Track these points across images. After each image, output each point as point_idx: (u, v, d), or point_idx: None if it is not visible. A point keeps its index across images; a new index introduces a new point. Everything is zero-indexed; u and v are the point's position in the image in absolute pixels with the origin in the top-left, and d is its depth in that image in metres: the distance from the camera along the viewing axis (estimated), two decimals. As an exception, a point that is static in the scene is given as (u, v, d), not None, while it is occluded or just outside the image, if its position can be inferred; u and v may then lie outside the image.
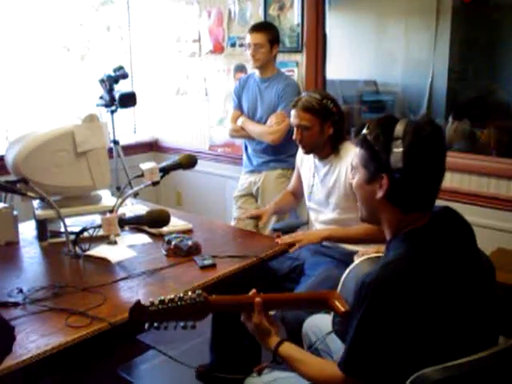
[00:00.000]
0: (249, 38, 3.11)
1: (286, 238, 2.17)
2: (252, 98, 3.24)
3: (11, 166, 2.12)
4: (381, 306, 1.15)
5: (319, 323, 1.76)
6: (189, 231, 2.25)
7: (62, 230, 2.03)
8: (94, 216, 2.20)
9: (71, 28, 4.14)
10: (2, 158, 2.27)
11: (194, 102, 4.20)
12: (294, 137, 2.28)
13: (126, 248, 2.03)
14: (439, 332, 1.16)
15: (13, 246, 2.13)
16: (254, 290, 1.44)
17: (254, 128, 3.19)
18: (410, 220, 1.25)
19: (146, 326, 1.31)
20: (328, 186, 2.28)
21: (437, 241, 1.22)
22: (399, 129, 1.21)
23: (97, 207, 2.25)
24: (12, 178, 2.08)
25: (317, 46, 3.44)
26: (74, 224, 2.10)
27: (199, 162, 2.31)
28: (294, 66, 3.50)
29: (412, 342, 1.14)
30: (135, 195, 2.65)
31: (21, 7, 3.74)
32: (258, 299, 1.39)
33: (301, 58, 3.49)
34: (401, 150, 1.19)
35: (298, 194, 2.61)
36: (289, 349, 1.36)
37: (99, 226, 1.91)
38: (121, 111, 3.76)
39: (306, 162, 2.45)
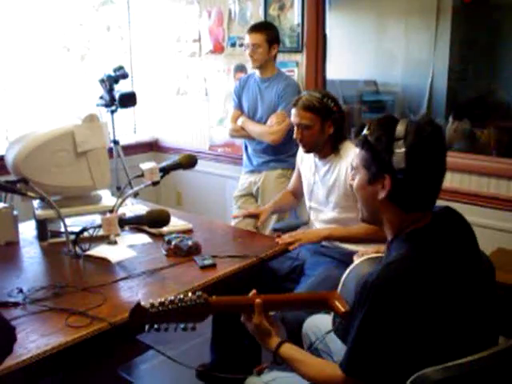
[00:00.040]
0: (247, 38, 3.11)
1: (286, 238, 2.17)
2: (252, 98, 3.23)
3: (11, 165, 2.12)
4: (383, 307, 1.15)
5: (319, 323, 1.76)
6: (189, 231, 2.25)
7: (62, 229, 2.03)
8: (94, 216, 2.20)
9: (71, 28, 4.14)
10: (2, 158, 2.27)
11: (194, 102, 4.20)
12: (294, 136, 2.28)
13: (126, 248, 2.03)
14: (440, 332, 1.16)
15: (13, 245, 2.13)
16: (254, 291, 1.44)
17: (254, 128, 3.19)
18: (411, 220, 1.25)
19: (147, 328, 1.30)
20: (328, 184, 2.28)
21: (438, 241, 1.22)
22: (400, 129, 1.22)
23: (97, 207, 2.25)
24: (12, 177, 2.08)
25: (317, 46, 3.43)
26: (74, 224, 2.10)
27: (199, 161, 2.31)
28: (294, 66, 3.50)
29: (413, 341, 1.15)
30: (135, 195, 2.65)
31: (21, 7, 3.74)
32: (258, 300, 1.38)
33: (301, 58, 3.48)
34: (403, 150, 1.20)
35: (297, 194, 2.61)
36: (289, 349, 1.36)
37: (99, 226, 1.91)
38: (121, 111, 3.76)
39: (306, 160, 2.45)
